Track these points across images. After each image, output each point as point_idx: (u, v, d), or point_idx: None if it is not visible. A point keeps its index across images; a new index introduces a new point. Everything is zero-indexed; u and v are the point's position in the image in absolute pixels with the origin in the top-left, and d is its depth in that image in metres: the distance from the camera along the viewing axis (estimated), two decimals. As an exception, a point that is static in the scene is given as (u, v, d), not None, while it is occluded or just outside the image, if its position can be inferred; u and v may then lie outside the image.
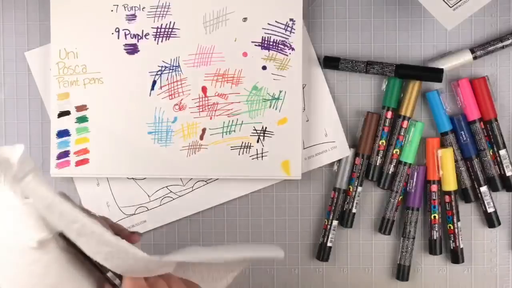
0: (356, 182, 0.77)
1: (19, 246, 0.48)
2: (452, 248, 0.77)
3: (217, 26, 0.76)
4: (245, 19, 0.75)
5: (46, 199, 0.47)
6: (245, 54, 0.76)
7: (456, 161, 0.77)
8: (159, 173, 0.76)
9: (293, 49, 0.75)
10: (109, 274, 0.52)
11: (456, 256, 0.77)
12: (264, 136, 0.76)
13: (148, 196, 0.78)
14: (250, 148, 0.76)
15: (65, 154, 0.76)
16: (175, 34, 0.76)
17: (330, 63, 0.77)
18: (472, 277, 0.79)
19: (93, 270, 0.52)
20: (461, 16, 0.69)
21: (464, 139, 0.76)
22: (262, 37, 0.76)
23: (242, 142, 0.76)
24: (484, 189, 0.77)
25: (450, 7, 0.69)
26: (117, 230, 0.56)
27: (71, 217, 0.47)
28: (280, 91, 0.76)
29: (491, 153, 0.77)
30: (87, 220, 0.47)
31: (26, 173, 0.48)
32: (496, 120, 0.76)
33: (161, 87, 0.76)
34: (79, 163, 0.76)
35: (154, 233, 0.78)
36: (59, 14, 0.75)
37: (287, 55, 0.76)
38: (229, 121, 0.76)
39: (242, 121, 0.76)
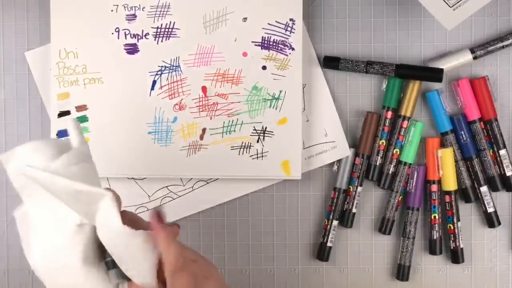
0: (356, 182, 0.77)
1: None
2: (452, 248, 0.77)
3: (217, 26, 0.76)
4: (245, 19, 0.75)
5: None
6: (245, 54, 0.76)
7: (456, 161, 0.77)
8: (159, 173, 0.76)
9: (293, 49, 0.75)
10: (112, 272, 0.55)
11: (456, 256, 0.77)
12: (264, 136, 0.76)
13: (148, 196, 0.78)
14: (250, 148, 0.76)
15: (65, 154, 0.76)
16: (175, 34, 0.76)
17: (330, 63, 0.76)
18: (472, 277, 0.79)
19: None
20: (461, 16, 0.69)
21: (464, 139, 0.76)
22: (262, 37, 0.76)
23: (242, 142, 0.76)
24: (484, 189, 0.77)
25: (450, 7, 0.69)
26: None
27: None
28: (280, 91, 0.76)
29: (491, 153, 0.77)
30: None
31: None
32: (496, 120, 0.76)
33: (161, 87, 0.76)
34: (79, 163, 0.76)
35: (154, 233, 0.78)
36: (59, 14, 0.75)
37: (287, 55, 0.76)
38: (229, 121, 0.76)
39: (242, 121, 0.76)
